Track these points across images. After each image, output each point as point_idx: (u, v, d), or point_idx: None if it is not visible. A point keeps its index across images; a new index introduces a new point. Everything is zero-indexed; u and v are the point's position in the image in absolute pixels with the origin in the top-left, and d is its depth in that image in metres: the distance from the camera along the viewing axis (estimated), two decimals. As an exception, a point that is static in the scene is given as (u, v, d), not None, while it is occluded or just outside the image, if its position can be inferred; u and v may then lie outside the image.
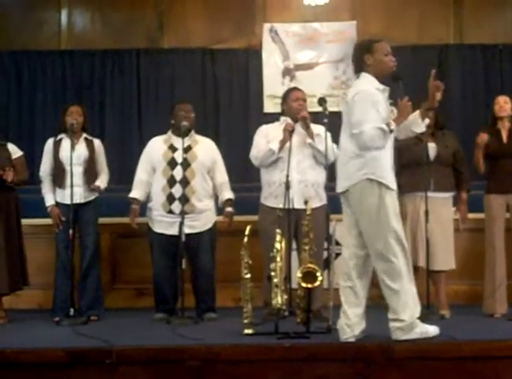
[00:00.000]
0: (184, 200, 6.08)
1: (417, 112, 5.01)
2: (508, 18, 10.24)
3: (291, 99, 6.22)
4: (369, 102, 4.78)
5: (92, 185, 6.36)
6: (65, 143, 6.36)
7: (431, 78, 4.96)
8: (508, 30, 10.16)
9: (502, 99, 6.37)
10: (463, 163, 6.38)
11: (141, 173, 6.35)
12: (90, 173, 6.38)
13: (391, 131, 4.78)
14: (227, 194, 6.35)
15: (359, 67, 4.99)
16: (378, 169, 4.80)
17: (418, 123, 5.03)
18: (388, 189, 4.82)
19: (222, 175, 6.39)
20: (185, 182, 6.12)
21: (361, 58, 4.96)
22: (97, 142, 6.56)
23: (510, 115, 6.31)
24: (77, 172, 6.26)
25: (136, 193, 6.31)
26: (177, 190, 6.13)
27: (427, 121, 5.10)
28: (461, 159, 6.37)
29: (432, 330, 4.85)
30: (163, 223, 6.20)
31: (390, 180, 4.87)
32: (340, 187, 4.95)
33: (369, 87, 4.87)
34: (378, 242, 4.79)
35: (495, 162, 6.29)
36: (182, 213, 6.04)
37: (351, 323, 4.88)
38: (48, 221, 6.43)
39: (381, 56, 4.94)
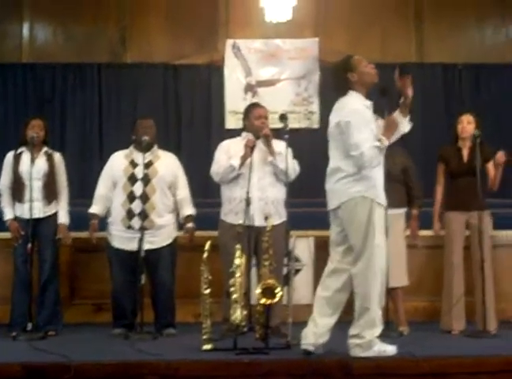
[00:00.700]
0: (144, 215, 6.06)
1: (397, 112, 5.02)
2: (467, 38, 10.38)
3: (254, 117, 6.19)
4: (362, 122, 4.85)
5: (59, 234, 6.31)
6: (25, 157, 6.30)
7: (395, 78, 4.95)
8: (467, 50, 10.28)
9: (465, 119, 6.37)
10: (413, 180, 6.41)
11: (101, 188, 6.32)
12: (49, 187, 6.31)
13: (385, 147, 4.85)
14: (188, 210, 6.32)
15: (345, 87, 5.00)
16: (371, 186, 4.90)
17: (402, 122, 5.01)
18: (378, 205, 4.91)
19: (183, 190, 6.36)
20: (145, 198, 6.10)
21: (344, 77, 4.99)
22: (57, 156, 6.49)
23: (471, 135, 6.30)
24: (37, 187, 6.21)
25: (95, 208, 6.28)
26: (137, 206, 6.11)
27: (408, 118, 5.04)
28: (411, 176, 6.40)
29: (390, 349, 4.90)
30: (123, 239, 6.17)
31: (381, 196, 4.98)
32: (331, 205, 5.01)
33: (359, 106, 4.92)
34: (363, 257, 4.86)
35: (454, 180, 6.35)
36: (142, 229, 6.02)
37: (318, 332, 4.92)
38: (6, 235, 6.38)
39: (362, 68, 5.01)
